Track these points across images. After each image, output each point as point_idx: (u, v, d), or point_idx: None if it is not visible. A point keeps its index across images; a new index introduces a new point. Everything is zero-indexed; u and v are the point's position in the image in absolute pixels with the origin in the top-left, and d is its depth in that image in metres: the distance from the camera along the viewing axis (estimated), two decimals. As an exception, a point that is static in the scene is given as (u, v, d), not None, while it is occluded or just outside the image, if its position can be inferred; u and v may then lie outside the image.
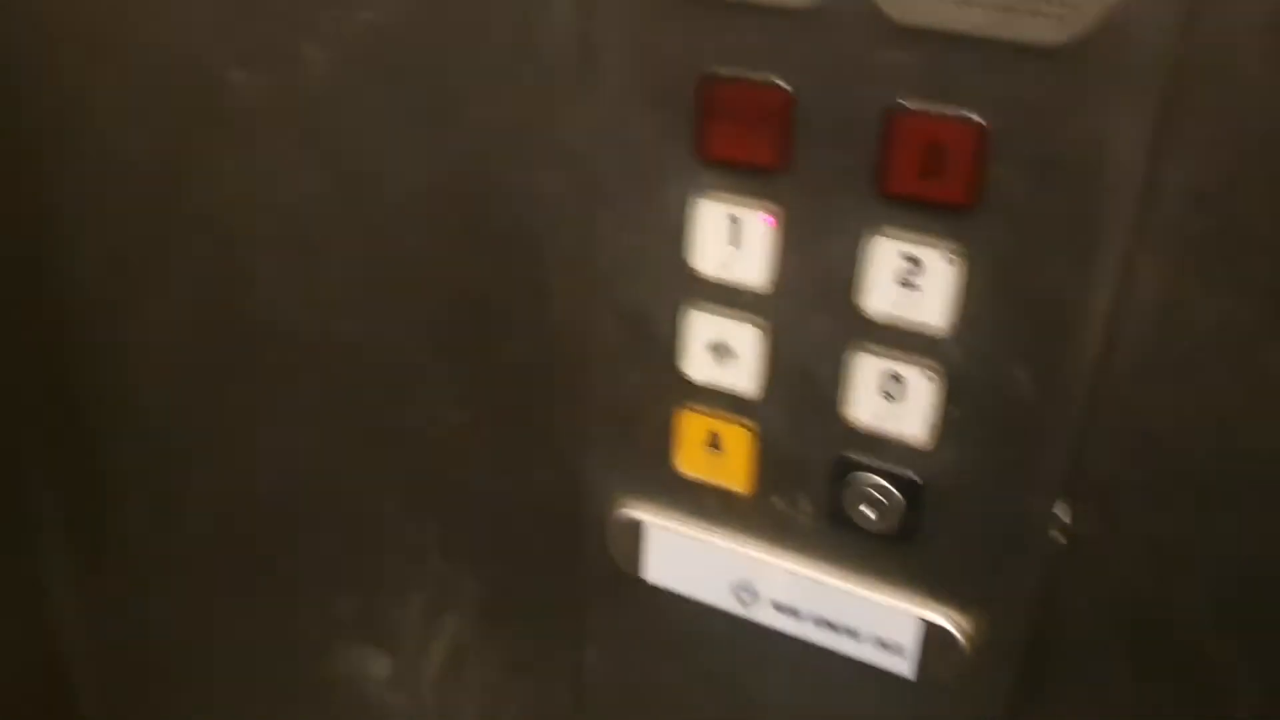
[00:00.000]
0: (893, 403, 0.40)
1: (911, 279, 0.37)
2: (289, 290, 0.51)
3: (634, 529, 0.46)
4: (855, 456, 0.41)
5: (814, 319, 0.40)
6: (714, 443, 0.43)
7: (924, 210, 0.37)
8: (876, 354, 0.39)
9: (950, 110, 0.35)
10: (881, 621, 0.43)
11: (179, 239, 0.53)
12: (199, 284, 0.53)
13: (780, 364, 0.41)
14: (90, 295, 0.57)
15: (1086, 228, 0.35)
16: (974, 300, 0.37)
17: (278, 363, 0.53)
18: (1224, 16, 0.32)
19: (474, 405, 0.49)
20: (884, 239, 0.37)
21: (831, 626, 0.44)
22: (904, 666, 0.43)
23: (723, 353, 0.42)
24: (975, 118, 0.35)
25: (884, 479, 0.41)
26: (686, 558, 0.45)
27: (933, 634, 0.42)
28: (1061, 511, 0.39)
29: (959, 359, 0.38)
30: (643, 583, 0.47)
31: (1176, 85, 0.33)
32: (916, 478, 0.40)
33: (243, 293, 0.52)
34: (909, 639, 0.42)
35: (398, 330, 0.49)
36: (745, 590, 0.45)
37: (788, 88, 0.37)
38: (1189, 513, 0.38)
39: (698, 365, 0.42)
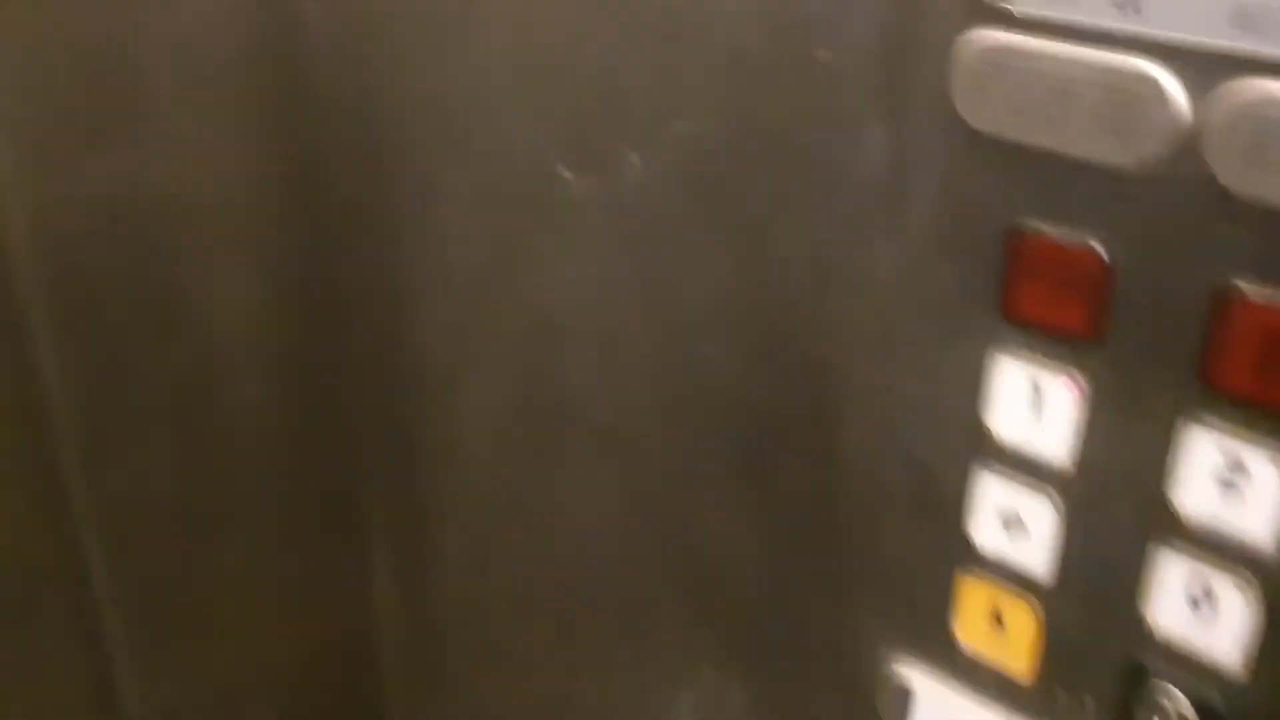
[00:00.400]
0: (1201, 615, 0.34)
1: (1235, 482, 0.32)
2: (592, 382, 0.52)
3: (904, 690, 0.43)
4: (1151, 665, 0.36)
5: (1117, 505, 0.35)
6: (996, 617, 0.40)
7: (1257, 410, 0.32)
8: (1187, 556, 0.34)
9: (1297, 301, 0.30)
10: None
11: (504, 320, 0.55)
12: (517, 364, 0.56)
13: (1075, 547, 0.37)
14: (429, 361, 0.61)
15: None
16: (1310, 519, 0.32)
17: (578, 449, 0.54)
18: None
19: (755, 524, 0.48)
20: (1205, 433, 0.33)
21: (1109, 842, 0.39)
22: None
23: (1013, 523, 0.38)
24: (1328, 314, 0.30)
25: (1182, 697, 0.35)
26: (954, 731, 0.42)
27: None
28: (1406, 781, 0.32)
29: (1286, 582, 0.33)
30: (905, 746, 0.44)
31: None
32: (1220, 705, 0.35)
33: (553, 378, 0.54)
34: None
35: (688, 435, 0.49)
36: (1014, 780, 0.41)
37: (1106, 254, 0.33)
38: None
39: (985, 532, 0.39)
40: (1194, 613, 0.34)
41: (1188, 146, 0.30)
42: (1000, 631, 0.40)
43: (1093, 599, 0.37)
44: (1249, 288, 0.31)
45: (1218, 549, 0.33)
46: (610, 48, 0.45)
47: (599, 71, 0.46)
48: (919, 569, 0.41)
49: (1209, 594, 0.34)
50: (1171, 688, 0.36)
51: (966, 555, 0.40)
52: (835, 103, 0.39)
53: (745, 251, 0.44)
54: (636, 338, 0.49)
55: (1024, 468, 0.37)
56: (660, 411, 0.50)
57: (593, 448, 0.54)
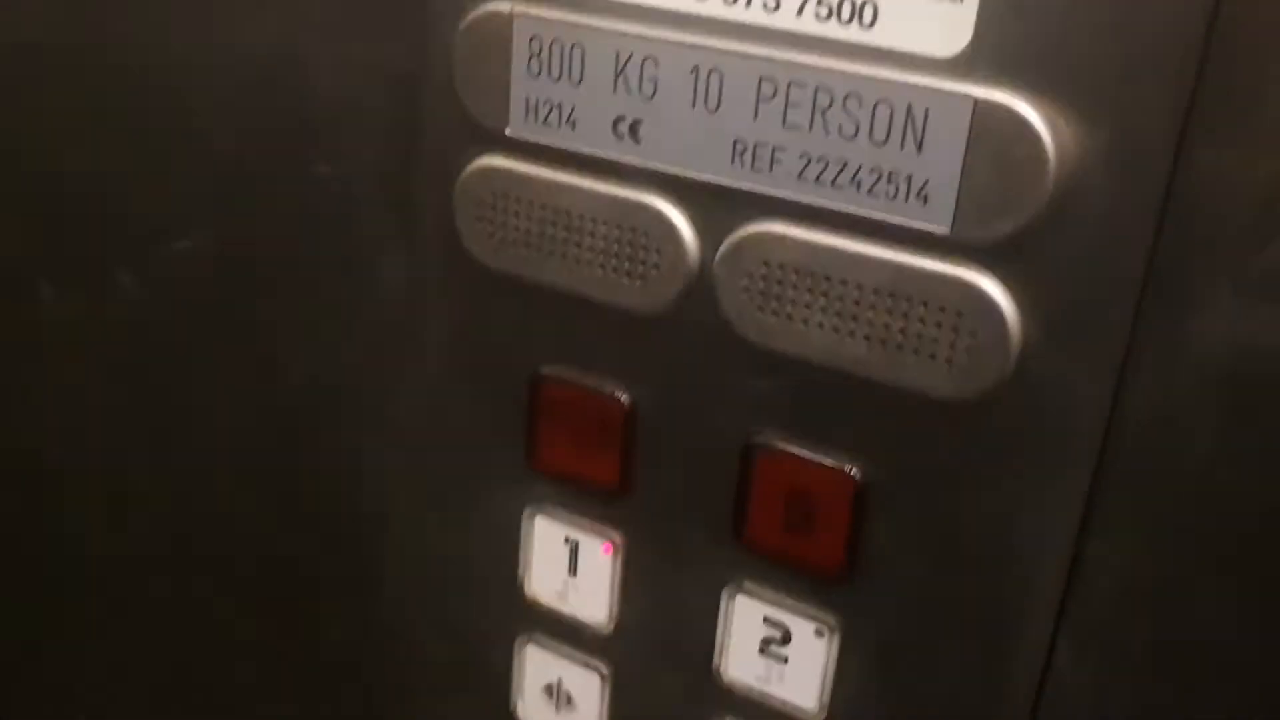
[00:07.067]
0: (755, 790, 0.31)
1: (777, 649, 0.30)
2: (99, 540, 0.44)
3: None
4: None
5: (663, 676, 0.32)
6: (549, 803, 0.35)
7: (790, 569, 0.29)
8: (737, 730, 0.31)
9: (821, 455, 0.28)
10: None
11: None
12: (7, 518, 0.46)
13: (625, 721, 0.33)
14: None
15: (992, 614, 0.27)
16: (850, 683, 0.29)
17: (89, 614, 0.46)
18: (1166, 378, 0.25)
19: (290, 700, 0.41)
20: (743, 597, 0.30)
21: None
22: None
23: (561, 698, 0.34)
24: (849, 469, 0.27)
25: None
26: None
27: None
28: None
29: (833, 753, 0.30)
30: None
31: (1106, 458, 0.25)
32: None
33: (50, 535, 0.45)
34: None
35: (210, 593, 0.42)
36: None
37: (629, 399, 0.30)
38: None
39: (533, 708, 0.34)
40: (747, 790, 0.31)
41: (701, 290, 0.27)
42: (556, 820, 0.35)
43: (648, 780, 0.33)
44: (773, 441, 0.28)
45: (766, 720, 0.31)
46: (97, 149, 0.38)
47: (84, 176, 0.39)
48: (466, 754, 0.36)
49: (760, 770, 0.31)
50: None
51: (514, 735, 0.35)
52: (343, 224, 0.34)
53: (262, 387, 0.38)
54: (148, 486, 0.42)
55: (567, 636, 0.33)
56: (180, 572, 0.42)
57: (105, 612, 0.45)
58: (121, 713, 0.47)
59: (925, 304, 0.25)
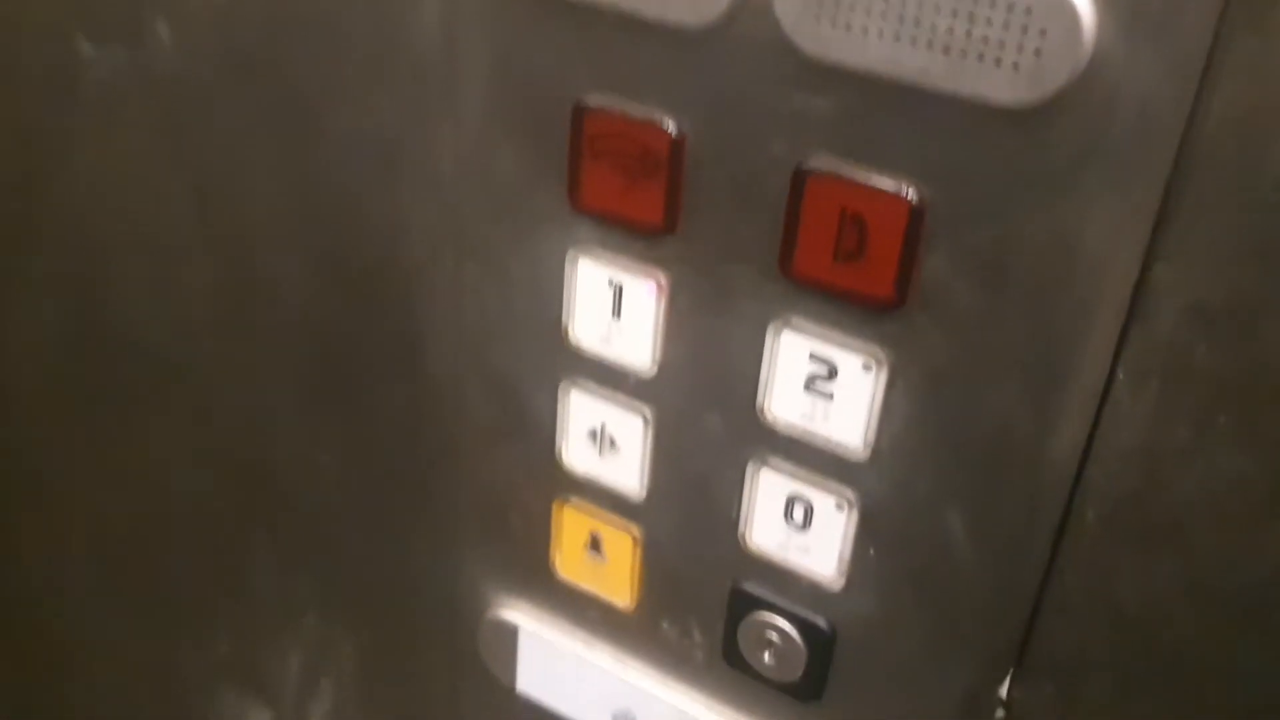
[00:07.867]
0: (799, 530, 0.31)
1: (823, 385, 0.29)
2: (147, 301, 0.44)
3: (507, 633, 0.38)
4: (753, 589, 0.33)
5: (706, 417, 0.32)
6: (594, 544, 0.35)
7: (839, 301, 0.28)
8: (780, 470, 0.31)
9: (875, 178, 0.26)
10: (779, 780, 0.35)
11: (41, 234, 0.46)
12: (58, 286, 0.46)
13: (668, 465, 0.33)
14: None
15: (1049, 344, 0.26)
16: (897, 420, 0.29)
17: (140, 382, 0.46)
18: (1249, 83, 0.23)
19: (341, 454, 0.42)
20: (790, 332, 0.29)
21: (722, 775, 0.36)
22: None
23: (605, 442, 0.34)
24: (907, 190, 0.26)
25: (786, 620, 0.33)
26: (562, 673, 0.38)
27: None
28: (1003, 688, 0.31)
29: (877, 489, 0.30)
30: (515, 693, 0.39)
31: (1181, 170, 0.24)
32: (823, 624, 0.32)
33: (103, 302, 0.45)
34: (809, 808, 0.34)
35: (257, 358, 0.42)
36: (625, 717, 0.37)
37: (676, 129, 0.28)
38: (1159, 700, 0.29)
39: (576, 453, 0.34)
40: (793, 530, 0.31)
41: (754, 1, 0.26)
42: (600, 560, 0.35)
43: (691, 521, 0.33)
44: (826, 164, 0.27)
45: (811, 459, 0.30)
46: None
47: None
48: (512, 498, 0.37)
49: (806, 507, 0.31)
50: (774, 616, 0.33)
51: (559, 480, 0.35)
52: (377, -46, 0.32)
53: (298, 138, 0.37)
54: (192, 247, 0.41)
55: (610, 380, 0.33)
56: (224, 332, 0.42)
57: (156, 380, 0.46)
58: (171, 478, 0.48)
59: (993, 1, 0.23)
